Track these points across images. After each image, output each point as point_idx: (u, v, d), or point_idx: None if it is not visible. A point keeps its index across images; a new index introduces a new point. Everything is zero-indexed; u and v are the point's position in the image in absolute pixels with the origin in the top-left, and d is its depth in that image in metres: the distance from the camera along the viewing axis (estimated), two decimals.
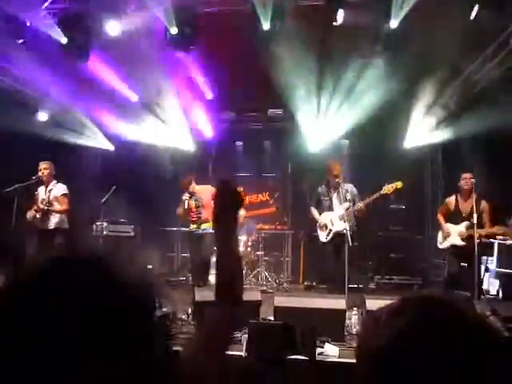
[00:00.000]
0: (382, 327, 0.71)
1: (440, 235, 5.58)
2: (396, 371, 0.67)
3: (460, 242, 5.31)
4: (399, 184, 5.47)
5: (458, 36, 5.16)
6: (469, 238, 5.20)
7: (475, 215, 5.07)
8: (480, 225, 5.17)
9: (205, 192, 6.03)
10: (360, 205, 5.58)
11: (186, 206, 6.15)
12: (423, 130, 7.66)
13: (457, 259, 5.35)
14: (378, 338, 0.71)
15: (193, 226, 6.37)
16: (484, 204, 5.31)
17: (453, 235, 5.37)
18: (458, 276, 5.22)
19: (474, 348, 0.66)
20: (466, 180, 5.36)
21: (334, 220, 5.81)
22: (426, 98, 7.10)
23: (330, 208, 5.94)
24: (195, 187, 6.25)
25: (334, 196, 5.90)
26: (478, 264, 5.10)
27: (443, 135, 7.42)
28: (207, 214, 6.05)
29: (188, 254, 7.21)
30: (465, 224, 5.30)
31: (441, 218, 5.59)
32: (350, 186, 5.86)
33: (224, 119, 8.76)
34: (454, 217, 5.44)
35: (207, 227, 6.05)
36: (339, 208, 5.69)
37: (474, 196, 5.29)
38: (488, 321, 0.73)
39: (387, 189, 5.50)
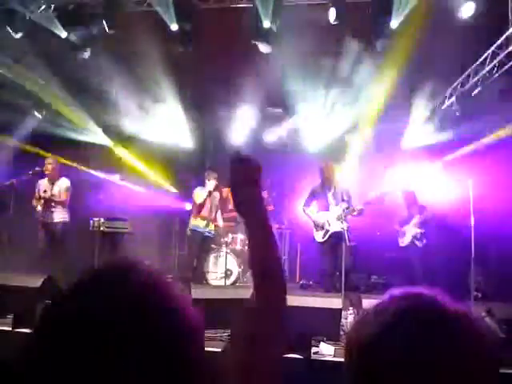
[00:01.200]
0: (369, 323, 0.72)
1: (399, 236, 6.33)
2: (379, 365, 0.67)
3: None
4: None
5: (457, 37, 5.18)
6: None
7: None
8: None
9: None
10: (359, 206, 5.58)
11: (212, 189, 6.29)
12: (422, 130, 7.68)
13: (417, 256, 6.06)
14: (363, 333, 0.71)
15: (201, 223, 6.36)
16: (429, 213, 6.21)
17: (408, 234, 6.17)
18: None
19: (457, 344, 0.66)
20: (404, 199, 6.27)
21: (330, 220, 5.75)
22: (424, 98, 7.12)
23: (326, 207, 5.87)
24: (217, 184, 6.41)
25: (330, 195, 5.84)
26: None
27: (441, 136, 7.43)
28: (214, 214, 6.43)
29: (187, 250, 7.20)
30: (420, 230, 6.10)
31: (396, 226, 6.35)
32: (343, 187, 5.87)
33: (222, 116, 8.73)
34: (407, 221, 6.23)
35: (212, 230, 6.43)
36: (336, 208, 5.65)
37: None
38: (475, 318, 0.72)
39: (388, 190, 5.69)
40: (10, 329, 3.31)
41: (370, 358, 0.68)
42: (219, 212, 6.65)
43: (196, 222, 6.38)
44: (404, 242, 6.22)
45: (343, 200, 5.68)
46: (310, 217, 5.97)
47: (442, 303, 0.71)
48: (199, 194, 6.33)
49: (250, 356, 0.85)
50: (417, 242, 6.09)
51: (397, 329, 0.68)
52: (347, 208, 5.63)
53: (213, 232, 6.53)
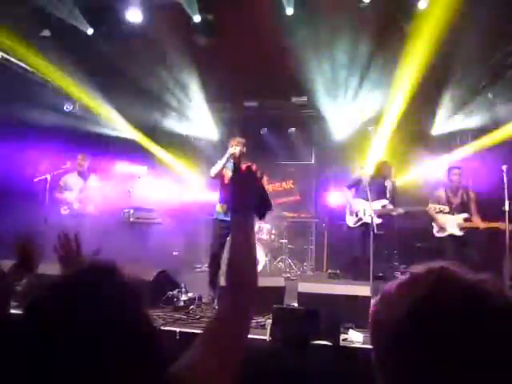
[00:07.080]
0: (394, 304, 0.68)
1: (435, 225, 5.77)
2: (413, 353, 0.63)
3: (459, 233, 5.56)
4: (446, 209, 5.52)
5: (488, 19, 4.96)
6: (466, 229, 5.54)
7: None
8: (469, 214, 5.59)
9: None
10: (400, 210, 5.60)
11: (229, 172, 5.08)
12: (451, 116, 7.46)
13: (454, 248, 5.55)
14: (390, 317, 0.68)
15: (220, 208, 5.06)
16: (472, 194, 5.62)
17: (450, 226, 5.60)
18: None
19: (495, 319, 0.62)
20: (455, 174, 5.65)
21: (367, 211, 5.66)
22: (454, 84, 6.89)
23: (366, 198, 5.75)
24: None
25: (374, 188, 5.67)
26: None
27: (471, 122, 7.21)
28: None
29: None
30: (462, 216, 5.58)
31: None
32: (389, 182, 5.83)
33: (248, 107, 8.73)
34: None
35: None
36: (376, 202, 5.56)
37: (461, 189, 5.67)
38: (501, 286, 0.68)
39: (433, 208, 5.52)
40: None
41: (401, 345, 0.64)
42: None
43: (217, 206, 5.23)
44: (439, 234, 5.77)
45: (386, 197, 5.68)
46: (348, 199, 5.98)
47: (468, 277, 0.66)
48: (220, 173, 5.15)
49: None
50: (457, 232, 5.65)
51: (428, 308, 0.63)
52: (385, 206, 5.65)
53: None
